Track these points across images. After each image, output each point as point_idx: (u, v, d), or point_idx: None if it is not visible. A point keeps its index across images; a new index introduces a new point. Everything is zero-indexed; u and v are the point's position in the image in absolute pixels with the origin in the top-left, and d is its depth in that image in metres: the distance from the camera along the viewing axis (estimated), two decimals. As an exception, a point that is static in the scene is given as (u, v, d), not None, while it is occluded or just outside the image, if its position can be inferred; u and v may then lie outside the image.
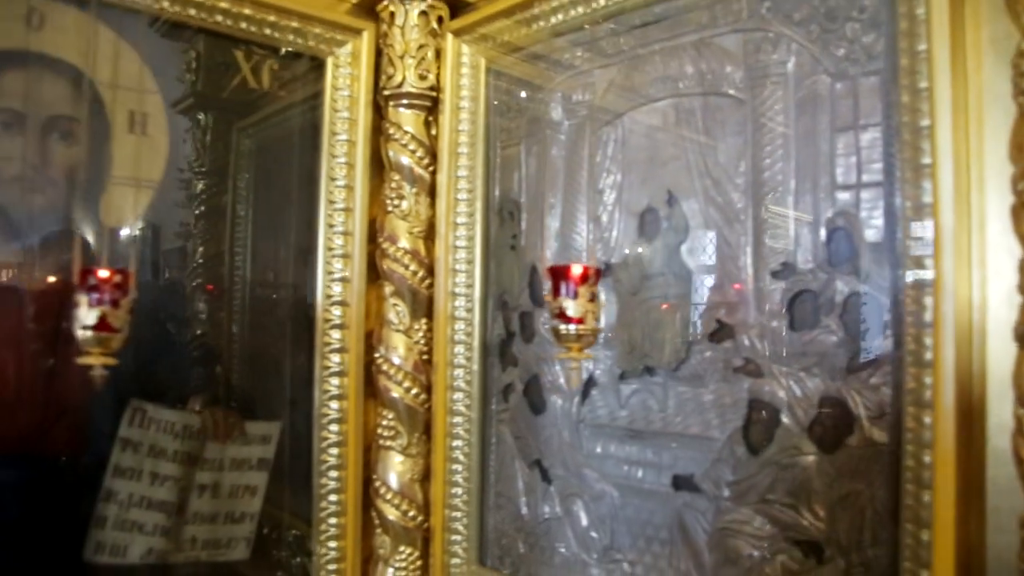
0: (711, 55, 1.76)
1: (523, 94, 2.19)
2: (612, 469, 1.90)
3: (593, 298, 1.47)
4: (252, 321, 2.38)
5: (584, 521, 1.95)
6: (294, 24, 2.18)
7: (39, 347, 1.87)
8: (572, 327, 1.46)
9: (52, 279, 1.89)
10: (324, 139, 2.25)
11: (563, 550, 2.00)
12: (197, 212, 2.23)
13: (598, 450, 1.93)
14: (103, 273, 1.53)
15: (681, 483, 1.77)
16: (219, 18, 2.07)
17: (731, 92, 1.73)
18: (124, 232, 2.05)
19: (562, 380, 2.02)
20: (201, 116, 2.34)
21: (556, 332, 1.46)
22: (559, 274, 1.47)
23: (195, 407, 2.10)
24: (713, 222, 1.74)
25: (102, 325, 1.51)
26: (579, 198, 2.01)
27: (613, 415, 1.90)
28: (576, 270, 1.46)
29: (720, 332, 1.73)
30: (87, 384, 1.87)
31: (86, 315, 1.51)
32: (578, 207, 2.01)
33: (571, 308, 1.46)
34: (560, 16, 2.01)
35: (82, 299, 1.51)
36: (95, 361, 1.51)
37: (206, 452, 2.12)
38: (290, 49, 2.23)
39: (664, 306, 1.81)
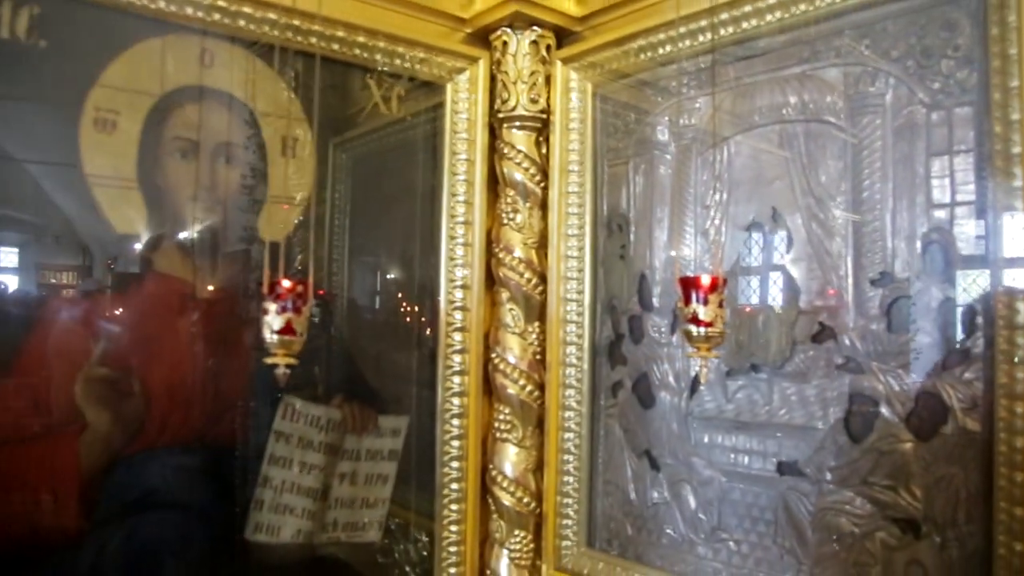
0: (813, 87, 1.97)
1: (630, 117, 2.39)
2: (719, 457, 2.11)
3: (721, 304, 1.67)
4: (373, 324, 2.61)
5: (692, 504, 2.15)
6: (420, 54, 2.41)
7: (211, 350, 2.12)
8: (703, 330, 1.66)
9: (219, 289, 2.14)
10: (445, 158, 2.48)
11: (671, 532, 2.20)
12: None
13: (706, 440, 2.14)
14: (287, 283, 1.77)
15: (785, 468, 1.97)
16: (357, 51, 2.31)
17: (832, 120, 1.93)
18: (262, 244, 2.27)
19: (671, 378, 2.23)
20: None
21: (688, 334, 1.67)
22: (691, 283, 1.68)
23: (336, 403, 2.32)
24: (815, 235, 1.94)
25: (287, 329, 1.74)
26: (686, 213, 2.23)
27: (720, 408, 2.10)
28: (706, 280, 1.67)
29: (822, 334, 1.93)
30: (249, 382, 2.14)
31: (274, 321, 1.74)
32: (686, 221, 2.23)
33: (702, 313, 1.66)
34: (667, 48, 2.23)
35: (270, 307, 1.74)
36: (280, 361, 1.74)
37: (345, 444, 2.35)
38: (411, 75, 2.44)
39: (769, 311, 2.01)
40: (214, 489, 2.14)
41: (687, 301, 1.69)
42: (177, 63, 2.04)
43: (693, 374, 2.17)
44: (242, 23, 2.07)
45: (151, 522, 2.00)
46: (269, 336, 1.74)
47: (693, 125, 2.24)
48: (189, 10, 1.99)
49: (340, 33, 2.24)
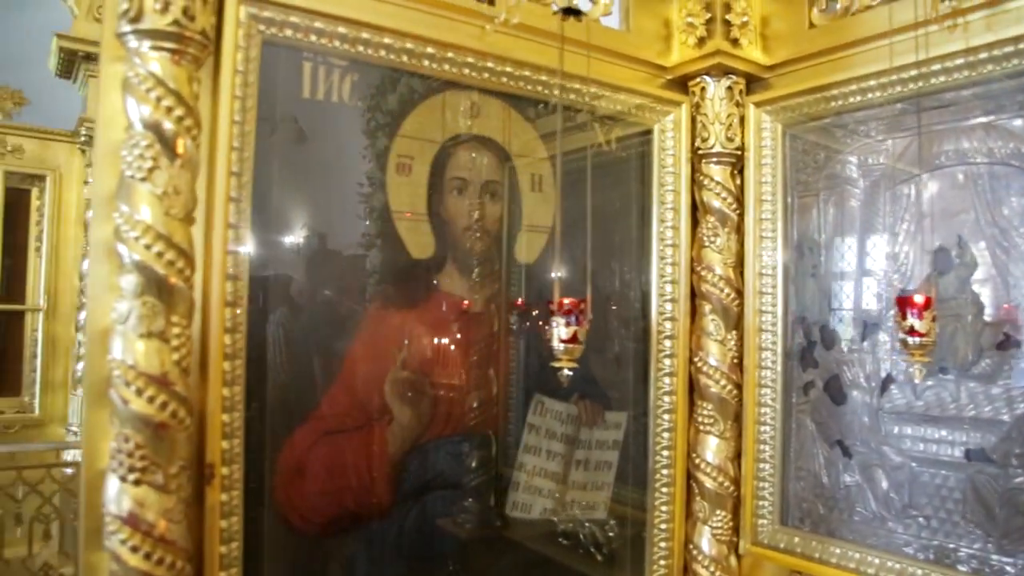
0: (997, 135, 2.35)
1: (820, 154, 2.79)
2: (909, 446, 2.49)
3: (933, 318, 2.07)
4: (596, 331, 3.03)
5: (884, 486, 2.54)
6: (636, 100, 2.83)
7: (481, 355, 2.59)
8: (918, 340, 2.06)
9: (486, 304, 2.61)
10: (654, 189, 2.90)
11: (862, 510, 2.59)
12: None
13: (896, 431, 2.53)
14: (568, 301, 2.22)
15: (973, 455, 2.35)
16: (573, 96, 2.73)
17: (1016, 164, 2.31)
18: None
19: (862, 378, 2.63)
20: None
21: (904, 343, 2.07)
22: (907, 302, 2.08)
23: (574, 400, 2.78)
24: (1000, 261, 2.32)
25: (572, 339, 2.19)
26: (875, 239, 2.62)
27: (910, 404, 2.49)
28: (919, 299, 2.07)
29: (1006, 342, 2.31)
30: (508, 381, 2.60)
31: (563, 331, 2.19)
32: (874, 246, 2.62)
33: (918, 326, 2.07)
34: (857, 98, 2.62)
35: (559, 320, 2.19)
36: (565, 365, 2.19)
37: (580, 435, 2.80)
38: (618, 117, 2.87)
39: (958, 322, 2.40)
40: (483, 472, 2.60)
41: (903, 316, 2.09)
42: (453, 114, 2.52)
43: (884, 375, 2.56)
44: (504, 80, 2.52)
45: (438, 499, 2.48)
46: (557, 344, 2.19)
47: (882, 164, 2.62)
48: (466, 71, 2.44)
49: (576, 85, 2.66)
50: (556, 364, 2.17)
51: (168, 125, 1.78)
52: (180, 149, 1.79)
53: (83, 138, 6.10)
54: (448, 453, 2.52)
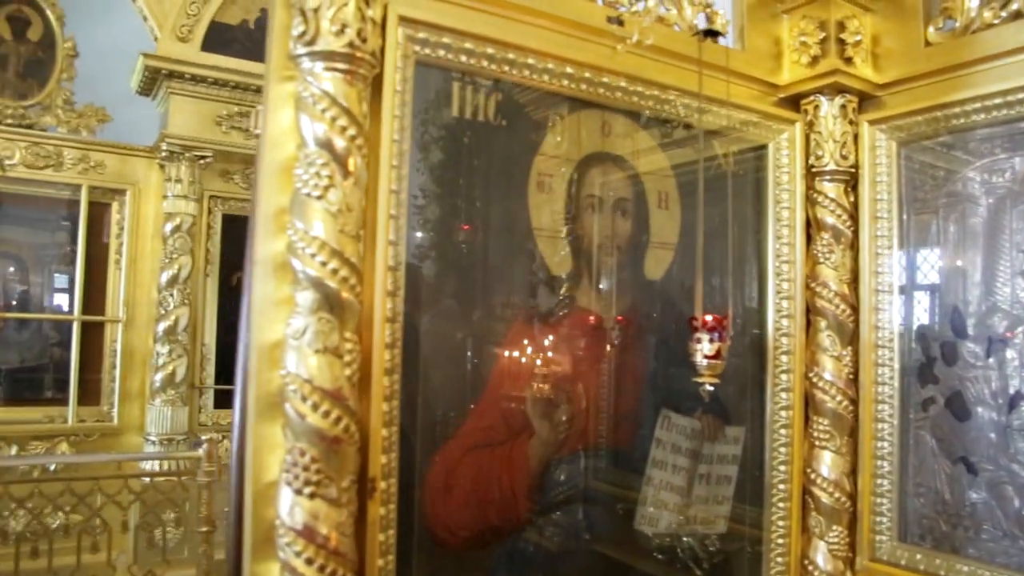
0: None
1: (939, 172, 2.79)
2: (1041, 464, 2.48)
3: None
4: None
5: (1016, 503, 2.52)
6: (754, 119, 2.85)
7: (615, 370, 2.61)
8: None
9: (619, 320, 2.63)
10: (769, 206, 2.91)
11: (990, 528, 2.58)
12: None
13: (1026, 449, 2.51)
14: (711, 317, 2.23)
15: (1112, 474, 2.34)
16: (709, 118, 2.76)
17: None
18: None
19: (987, 395, 2.61)
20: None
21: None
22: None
23: (697, 415, 2.79)
24: None
25: (716, 355, 2.21)
26: (1001, 256, 2.61)
27: (1042, 423, 2.48)
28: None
29: None
30: (638, 396, 2.62)
31: (707, 347, 2.21)
32: (999, 264, 2.61)
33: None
34: (981, 116, 2.61)
35: (703, 336, 2.21)
36: (707, 381, 2.21)
37: (703, 449, 2.81)
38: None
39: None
40: (615, 486, 2.62)
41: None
42: (587, 133, 2.55)
43: (1012, 392, 2.55)
44: (635, 99, 2.55)
45: (574, 512, 2.50)
46: (700, 360, 2.20)
47: (1006, 183, 2.62)
48: (600, 90, 2.47)
49: (692, 102, 2.68)
50: (699, 379, 2.19)
51: (341, 143, 1.83)
52: (352, 167, 1.84)
53: (164, 153, 6.24)
54: (582, 467, 2.54)
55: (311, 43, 1.84)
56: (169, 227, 6.35)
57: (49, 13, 6.29)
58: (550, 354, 2.44)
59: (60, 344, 6.44)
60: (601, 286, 2.64)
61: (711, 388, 2.19)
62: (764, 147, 2.94)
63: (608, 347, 2.63)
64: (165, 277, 6.33)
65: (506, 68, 2.26)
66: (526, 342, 2.42)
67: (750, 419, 2.93)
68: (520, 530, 2.45)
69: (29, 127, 6.19)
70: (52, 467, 5.71)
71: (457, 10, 2.16)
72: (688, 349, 2.33)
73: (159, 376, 6.27)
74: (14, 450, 6.03)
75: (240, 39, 6.37)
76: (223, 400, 6.77)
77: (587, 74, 2.42)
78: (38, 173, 6.20)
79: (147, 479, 5.29)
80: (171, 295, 6.31)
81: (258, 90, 6.31)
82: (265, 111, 1.96)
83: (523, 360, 2.42)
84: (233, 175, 6.84)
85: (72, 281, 6.42)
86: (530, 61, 2.30)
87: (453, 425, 2.33)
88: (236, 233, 6.86)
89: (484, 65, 2.23)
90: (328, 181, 1.80)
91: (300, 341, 1.78)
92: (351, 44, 1.84)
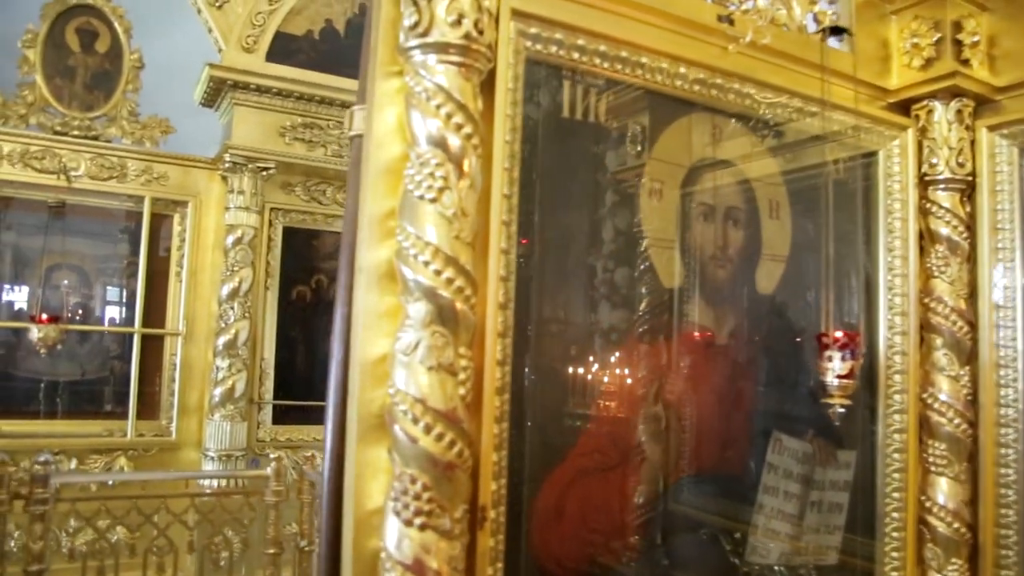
0: None
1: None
2: None
3: None
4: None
5: None
6: (866, 124, 2.67)
7: (726, 390, 2.45)
8: None
9: (730, 336, 2.47)
10: (880, 216, 2.73)
11: None
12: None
13: None
14: (842, 334, 2.06)
15: None
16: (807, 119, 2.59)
17: None
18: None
19: None
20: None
21: None
22: None
23: (808, 438, 2.61)
24: None
25: (849, 375, 2.04)
26: None
27: None
28: None
29: None
30: (749, 417, 2.45)
31: (839, 367, 2.03)
32: None
33: None
34: (1117, 118, 2.42)
35: (834, 355, 2.03)
36: (837, 402, 2.03)
37: (815, 474, 2.63)
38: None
39: None
40: (725, 513, 2.44)
41: None
42: (698, 137, 2.39)
43: None
44: (747, 102, 2.39)
45: (687, 541, 2.33)
46: (832, 380, 2.03)
47: None
48: (713, 92, 2.32)
49: (798, 103, 2.52)
50: (829, 401, 2.02)
51: (455, 141, 1.69)
52: (467, 167, 1.70)
53: (227, 164, 6.18)
54: (693, 493, 2.37)
55: (424, 34, 1.71)
56: (231, 239, 6.28)
57: (117, 25, 6.30)
58: (662, 372, 2.28)
59: (120, 357, 6.39)
60: (713, 300, 2.48)
61: (842, 411, 2.01)
62: (874, 154, 2.77)
63: (720, 365, 2.46)
64: (226, 290, 6.26)
65: (619, 67, 2.12)
66: (637, 359, 2.26)
67: (860, 443, 2.74)
68: (632, 560, 2.29)
69: (95, 138, 6.18)
70: (110, 482, 5.68)
71: (570, 5, 2.02)
72: (799, 366, 2.18)
73: (218, 391, 6.20)
74: (73, 463, 5.98)
75: (305, 50, 6.31)
76: (281, 416, 6.68)
77: (700, 75, 2.27)
78: (102, 184, 6.18)
79: (213, 497, 5.19)
80: (231, 308, 6.24)
81: (323, 101, 6.26)
82: (370, 109, 1.83)
83: (634, 378, 2.26)
84: (294, 187, 6.77)
85: (133, 293, 6.38)
86: (643, 60, 2.16)
87: (563, 449, 2.17)
88: (296, 246, 6.80)
89: (596, 63, 2.08)
90: (443, 183, 1.67)
91: (411, 357, 1.64)
92: (467, 35, 1.71)
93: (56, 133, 6.04)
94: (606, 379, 2.24)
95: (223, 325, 6.24)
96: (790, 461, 2.56)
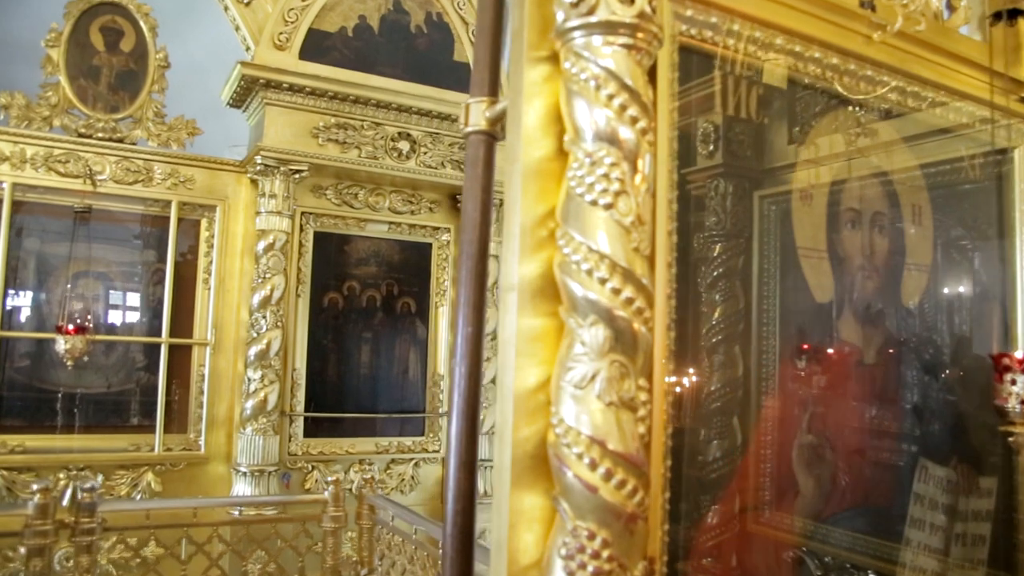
0: None
1: None
2: None
3: None
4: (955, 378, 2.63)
5: None
6: (1005, 120, 2.43)
7: (875, 413, 2.19)
8: None
9: (876, 354, 2.21)
10: (1016, 219, 2.48)
11: None
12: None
13: None
14: (1020, 354, 1.81)
15: None
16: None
17: None
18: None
19: None
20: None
21: None
22: None
23: (952, 464, 2.36)
24: None
25: (1034, 400, 1.79)
26: None
27: None
28: None
29: None
30: (899, 444, 2.20)
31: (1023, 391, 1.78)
32: None
33: None
34: None
35: (1018, 377, 1.79)
36: (1022, 431, 1.79)
37: (958, 504, 2.38)
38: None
39: None
40: (877, 552, 2.19)
41: None
42: (844, 136, 2.15)
43: None
44: (894, 96, 2.16)
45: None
46: (1015, 406, 1.78)
47: None
48: (862, 84, 2.08)
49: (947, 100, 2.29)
50: (1011, 428, 1.77)
51: (629, 136, 1.44)
52: (642, 167, 1.45)
53: (258, 167, 5.91)
54: (845, 530, 2.12)
55: (590, 12, 1.46)
56: (262, 245, 5.99)
57: (142, 24, 6.03)
58: (815, 396, 2.04)
59: (146, 368, 6.11)
60: (861, 316, 2.22)
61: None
62: (1004, 151, 2.53)
63: (872, 386, 2.21)
64: (257, 298, 5.97)
65: (771, 55, 1.88)
66: (790, 383, 2.02)
67: (999, 468, 2.50)
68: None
69: (120, 141, 5.92)
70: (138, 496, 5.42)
71: (728, -16, 1.78)
72: (944, 385, 1.93)
73: (250, 403, 5.91)
74: (99, 479, 5.71)
75: (338, 47, 6.03)
76: (312, 428, 6.42)
77: (851, 65, 2.04)
78: (127, 188, 5.92)
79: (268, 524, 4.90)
80: (263, 317, 5.95)
81: (357, 100, 5.99)
82: (516, 100, 1.58)
83: (788, 404, 2.02)
84: (325, 190, 6.50)
85: (159, 301, 6.11)
86: (797, 48, 1.92)
87: (719, 486, 1.92)
88: (327, 251, 6.53)
89: (752, 51, 1.84)
90: (620, 185, 1.41)
91: (586, 391, 1.39)
92: (642, 14, 1.46)
93: (80, 136, 5.77)
94: (763, 407, 1.99)
95: (255, 335, 5.96)
96: (936, 490, 2.31)
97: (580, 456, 1.38)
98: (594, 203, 1.42)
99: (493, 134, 1.83)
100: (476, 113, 1.80)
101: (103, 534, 3.47)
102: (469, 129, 1.82)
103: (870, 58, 2.11)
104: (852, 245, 2.16)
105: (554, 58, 1.58)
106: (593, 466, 1.37)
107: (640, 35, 1.48)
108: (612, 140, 1.44)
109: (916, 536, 2.26)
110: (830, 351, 2.13)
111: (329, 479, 4.41)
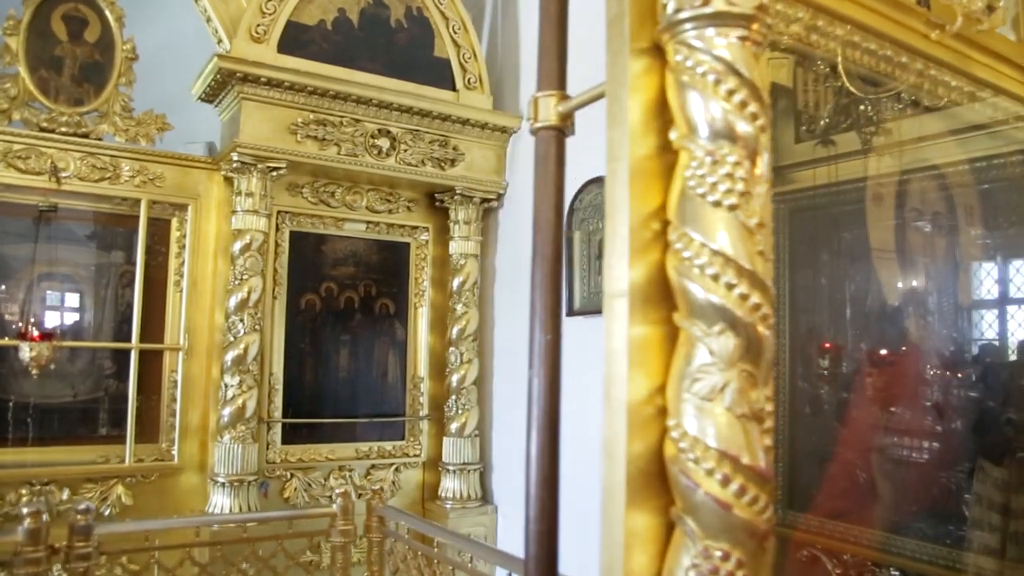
0: None
1: None
2: None
3: None
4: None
5: None
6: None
7: (939, 414, 2.15)
8: None
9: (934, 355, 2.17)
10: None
11: None
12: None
13: None
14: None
15: None
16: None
17: None
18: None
19: None
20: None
21: None
22: None
23: (1007, 463, 2.33)
24: None
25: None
26: None
27: None
28: None
29: None
30: (957, 446, 2.16)
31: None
32: None
33: None
34: None
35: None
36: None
37: (1012, 503, 2.35)
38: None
39: None
40: (940, 558, 2.15)
41: None
42: (910, 136, 2.11)
43: None
44: (955, 96, 2.12)
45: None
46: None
47: None
48: (926, 85, 2.05)
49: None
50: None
51: (747, 130, 1.37)
52: (761, 166, 1.38)
53: (234, 164, 5.70)
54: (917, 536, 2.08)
55: (705, 3, 1.38)
56: (239, 245, 5.74)
57: (108, 13, 5.74)
58: (890, 399, 1.98)
59: (115, 375, 5.85)
60: (927, 317, 2.18)
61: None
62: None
63: (936, 388, 2.17)
64: (234, 301, 5.74)
65: (849, 52, 1.83)
66: (870, 387, 1.96)
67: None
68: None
69: (85, 136, 5.63)
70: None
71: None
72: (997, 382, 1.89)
73: (228, 411, 5.67)
74: (66, 494, 5.46)
75: (317, 41, 5.83)
76: (290, 435, 6.22)
77: (918, 65, 1.99)
78: (93, 186, 5.65)
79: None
80: (240, 320, 5.72)
81: (336, 96, 5.81)
82: (617, 94, 1.50)
83: (867, 409, 1.96)
84: (301, 188, 6.30)
85: (128, 305, 5.85)
86: (871, 47, 1.87)
87: (806, 497, 1.85)
88: (304, 252, 6.34)
89: (832, 48, 1.78)
90: (744, 185, 1.34)
91: (715, 403, 1.31)
92: (761, 6, 1.39)
93: (42, 130, 5.48)
94: (847, 412, 1.93)
95: (231, 339, 5.74)
96: (992, 490, 2.29)
97: (711, 472, 1.30)
98: (717, 204, 1.35)
99: (563, 129, 1.74)
100: (546, 108, 1.72)
101: (99, 559, 3.27)
102: (539, 125, 1.74)
103: (934, 56, 2.08)
104: (913, 244, 2.12)
105: (654, 50, 1.51)
106: (726, 482, 1.29)
107: (755, 27, 1.41)
108: (732, 137, 1.37)
109: (977, 537, 2.23)
110: (899, 353, 2.09)
111: (338, 491, 4.24)
